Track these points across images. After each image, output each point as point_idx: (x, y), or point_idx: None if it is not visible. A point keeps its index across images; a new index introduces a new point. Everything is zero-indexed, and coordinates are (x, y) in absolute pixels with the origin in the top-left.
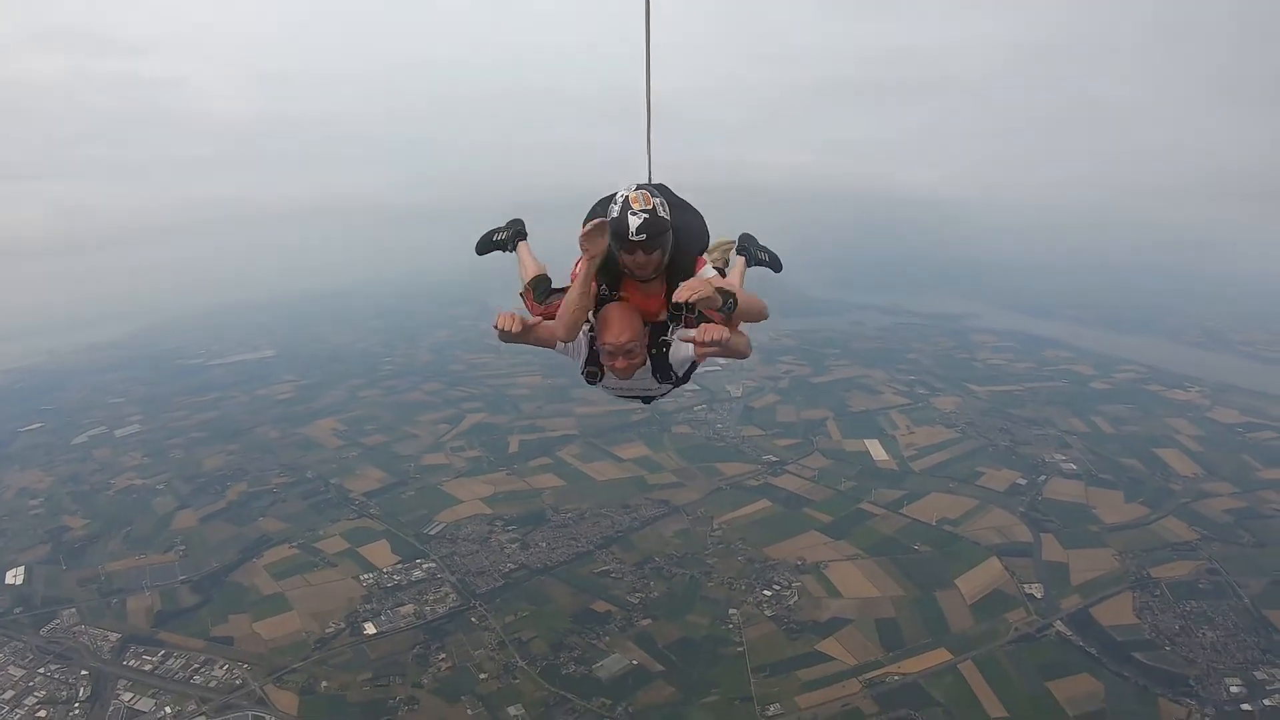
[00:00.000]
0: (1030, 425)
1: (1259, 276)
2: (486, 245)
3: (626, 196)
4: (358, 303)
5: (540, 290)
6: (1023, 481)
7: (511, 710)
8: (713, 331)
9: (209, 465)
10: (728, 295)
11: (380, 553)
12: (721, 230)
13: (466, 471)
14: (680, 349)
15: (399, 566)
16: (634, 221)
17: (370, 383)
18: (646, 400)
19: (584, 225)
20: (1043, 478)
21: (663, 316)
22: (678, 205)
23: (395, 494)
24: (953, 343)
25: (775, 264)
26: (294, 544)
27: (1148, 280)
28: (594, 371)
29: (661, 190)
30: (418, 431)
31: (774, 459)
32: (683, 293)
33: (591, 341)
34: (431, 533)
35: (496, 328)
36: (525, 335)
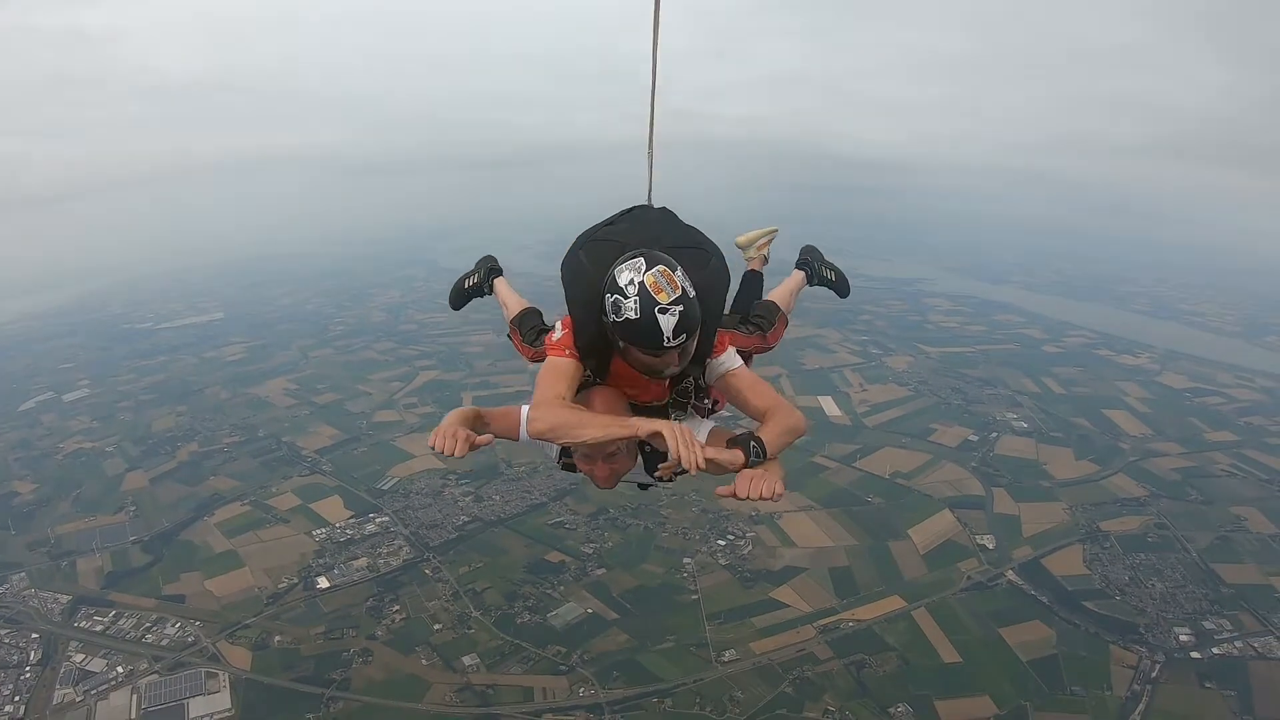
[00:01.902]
0: (982, 385)
1: (1210, 247)
2: (460, 296)
3: (642, 284)
4: (307, 263)
5: (529, 328)
6: (974, 438)
7: (466, 660)
8: (754, 486)
9: (159, 427)
10: (750, 447)
11: (333, 508)
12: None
13: (419, 427)
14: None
15: (352, 521)
16: (668, 324)
17: (321, 343)
18: (643, 486)
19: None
20: (994, 434)
21: (663, 401)
22: (691, 250)
23: (347, 450)
24: (905, 305)
25: (843, 286)
26: (246, 501)
27: (1100, 248)
28: (571, 464)
29: (666, 218)
30: (370, 389)
31: (727, 414)
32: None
33: (565, 466)
34: (384, 488)
35: (432, 448)
36: (477, 447)
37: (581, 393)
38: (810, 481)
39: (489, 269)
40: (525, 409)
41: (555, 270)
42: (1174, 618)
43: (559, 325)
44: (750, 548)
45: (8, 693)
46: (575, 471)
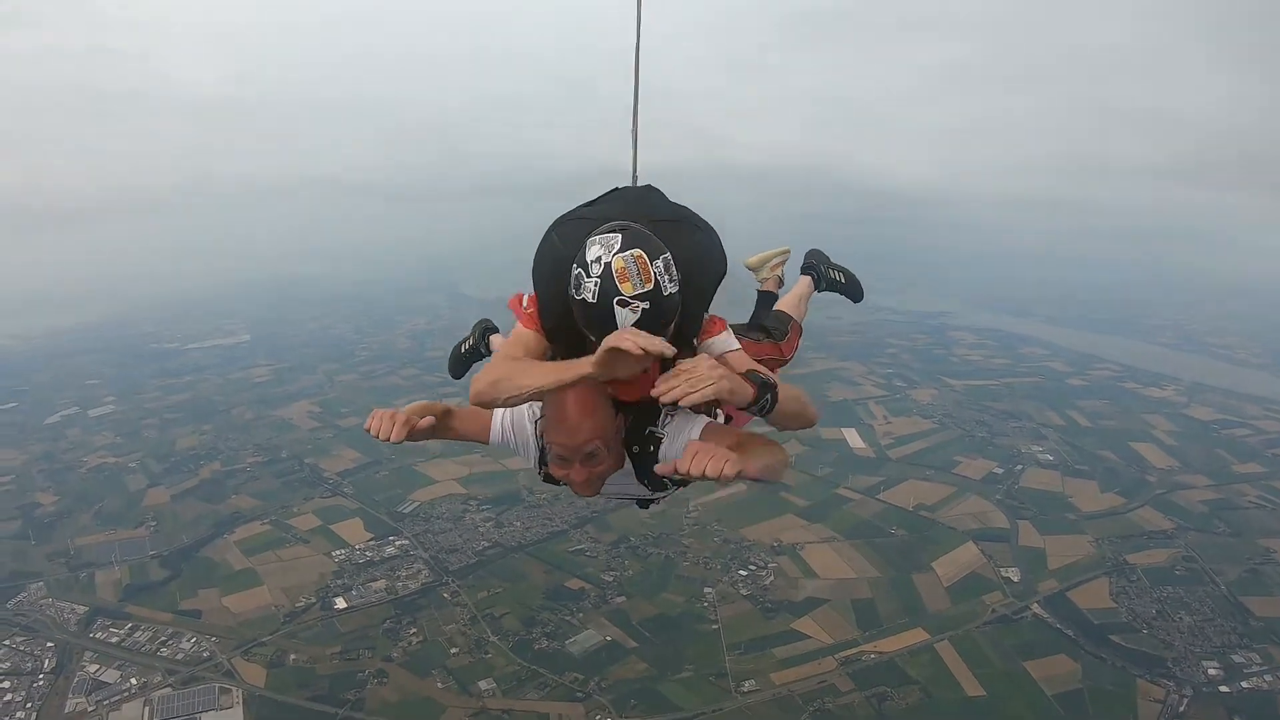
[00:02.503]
0: (1007, 418)
1: (1238, 276)
2: (459, 362)
3: (609, 265)
4: (333, 288)
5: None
6: (999, 470)
7: (482, 684)
8: (712, 462)
9: (182, 445)
10: (765, 387)
11: (353, 530)
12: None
13: (441, 453)
14: (677, 445)
15: (371, 543)
16: (624, 318)
17: (346, 368)
18: (644, 505)
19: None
20: (1019, 467)
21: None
22: (675, 224)
23: (369, 473)
24: (929, 339)
25: (854, 289)
26: (266, 521)
27: (1124, 278)
28: (551, 474)
29: (649, 195)
30: None
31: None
32: (667, 388)
33: (546, 477)
34: (405, 511)
35: (367, 430)
36: (420, 435)
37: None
38: (834, 513)
39: (484, 329)
40: (497, 414)
41: None
42: (1202, 651)
43: (526, 299)
44: (772, 578)
45: (20, 699)
46: (556, 482)
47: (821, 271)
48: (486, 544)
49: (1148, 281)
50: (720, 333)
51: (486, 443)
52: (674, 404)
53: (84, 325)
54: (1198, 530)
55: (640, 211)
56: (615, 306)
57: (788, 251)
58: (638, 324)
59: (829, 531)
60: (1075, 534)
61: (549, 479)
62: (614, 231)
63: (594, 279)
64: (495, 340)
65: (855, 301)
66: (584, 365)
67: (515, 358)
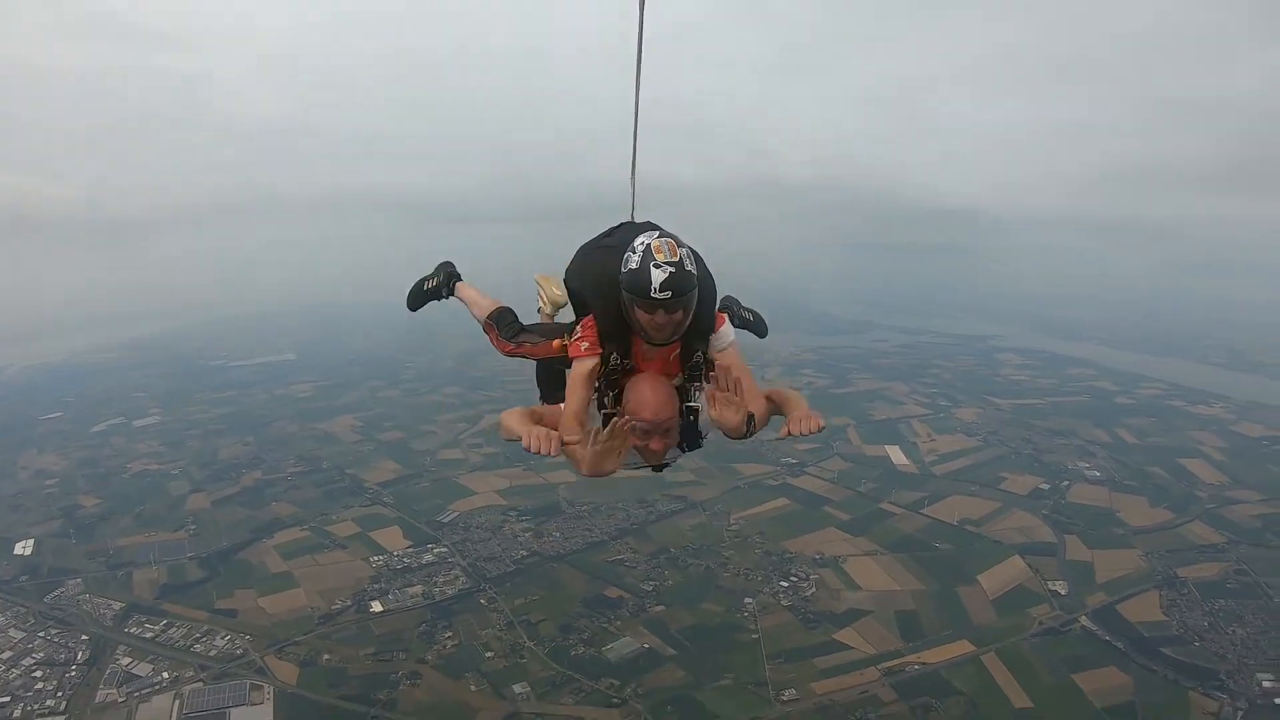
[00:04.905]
0: (1053, 435)
1: None
2: (419, 297)
3: (649, 244)
4: (380, 309)
5: (506, 326)
6: (1045, 486)
7: (517, 688)
8: (730, 408)
9: (225, 454)
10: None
11: (392, 537)
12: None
13: (482, 466)
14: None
15: (409, 550)
16: (658, 276)
17: (391, 385)
18: (658, 469)
19: (580, 316)
20: (1066, 483)
21: (679, 380)
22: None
23: (410, 484)
24: (975, 360)
25: (760, 327)
26: (305, 527)
27: (1176, 299)
28: (611, 413)
29: (652, 229)
30: (436, 429)
31: (793, 461)
32: (721, 410)
33: (606, 419)
34: (444, 520)
35: (527, 449)
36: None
37: (629, 382)
38: (876, 527)
39: (448, 274)
40: (563, 406)
41: None
42: (1256, 664)
43: (579, 329)
44: (814, 590)
45: (50, 688)
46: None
47: (735, 311)
48: (525, 553)
49: (1201, 302)
50: (723, 326)
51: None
52: (703, 364)
53: (132, 341)
54: (1250, 544)
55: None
56: (650, 268)
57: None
58: (665, 281)
59: (872, 545)
60: (1124, 548)
61: (607, 418)
62: (654, 229)
63: (639, 253)
64: (462, 288)
65: (760, 337)
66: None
67: (578, 410)
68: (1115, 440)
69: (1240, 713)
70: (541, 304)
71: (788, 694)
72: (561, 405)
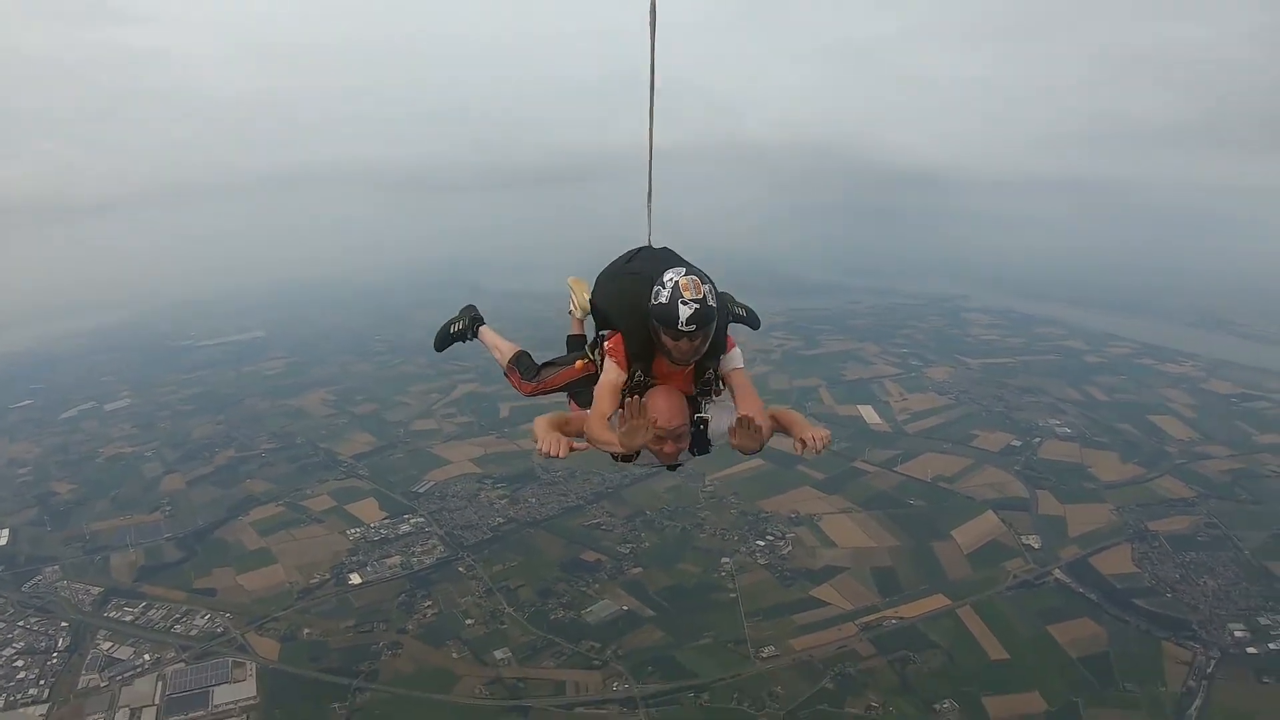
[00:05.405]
0: (1023, 393)
1: (1263, 252)
2: (445, 339)
3: (677, 282)
4: (347, 284)
5: (526, 368)
6: (1017, 443)
7: (498, 654)
8: (748, 437)
9: (197, 434)
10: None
11: (368, 509)
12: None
13: (456, 435)
14: (719, 422)
15: (386, 522)
16: (685, 311)
17: (361, 358)
18: (672, 468)
19: (608, 341)
20: (1037, 440)
21: (692, 391)
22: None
23: (384, 456)
24: (945, 320)
25: (753, 321)
26: (280, 503)
27: (1145, 258)
28: (629, 455)
29: (671, 256)
30: (408, 400)
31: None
32: (739, 437)
33: None
34: (420, 490)
35: (543, 453)
36: (574, 450)
37: (647, 393)
38: (851, 485)
39: (472, 318)
40: (590, 411)
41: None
42: (1228, 614)
43: (608, 345)
44: (790, 548)
45: (33, 677)
46: (630, 461)
47: (729, 309)
48: (501, 520)
49: (1169, 261)
50: (733, 349)
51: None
52: (714, 380)
53: (100, 328)
54: (1220, 498)
55: (672, 265)
56: (679, 304)
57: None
58: (691, 316)
59: (846, 502)
60: (1096, 502)
61: (626, 459)
62: (681, 266)
63: (667, 289)
64: (485, 332)
65: (754, 329)
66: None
67: (606, 412)
68: (1086, 398)
69: (1213, 661)
70: (572, 308)
71: (767, 651)
72: (584, 411)
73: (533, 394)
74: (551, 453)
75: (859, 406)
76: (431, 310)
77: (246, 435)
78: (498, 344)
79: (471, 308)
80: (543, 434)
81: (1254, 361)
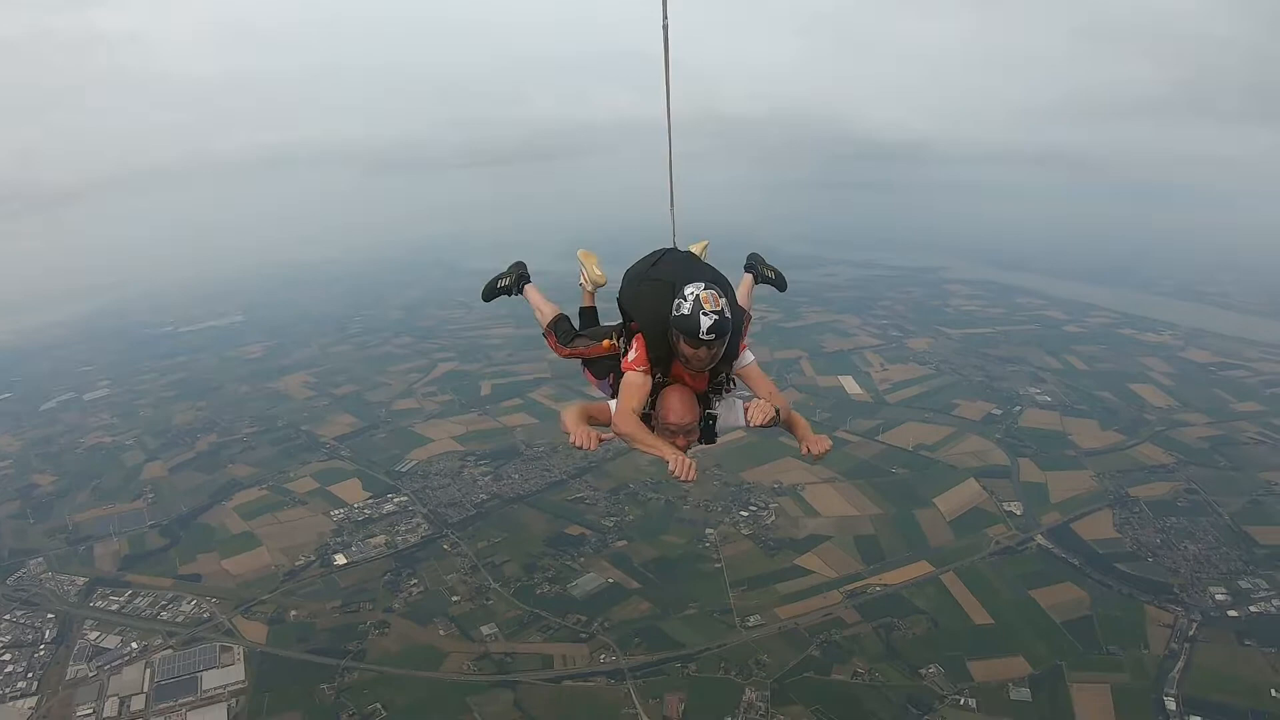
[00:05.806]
0: (1004, 363)
1: (1239, 222)
2: (492, 292)
3: (698, 295)
4: (324, 267)
5: (563, 333)
6: (998, 412)
7: (485, 629)
8: (762, 413)
9: (179, 421)
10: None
11: (351, 490)
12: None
13: (438, 414)
14: (727, 418)
15: (370, 501)
16: (705, 322)
17: (340, 340)
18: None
19: (628, 329)
20: (1018, 408)
21: (704, 390)
22: (717, 278)
23: (367, 437)
24: (925, 292)
25: (781, 282)
26: (264, 486)
27: (1123, 229)
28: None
29: (692, 261)
30: (389, 380)
31: (747, 394)
32: (756, 415)
33: (644, 418)
34: (403, 470)
35: (575, 445)
36: (603, 441)
37: (662, 391)
38: (833, 454)
39: (519, 275)
40: (613, 404)
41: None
42: (1209, 578)
43: (634, 345)
44: (774, 518)
45: (21, 670)
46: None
47: (759, 270)
48: (485, 496)
49: (1147, 232)
50: (744, 350)
51: (608, 427)
52: (725, 379)
53: (79, 316)
54: (1199, 464)
55: (696, 273)
56: (700, 315)
57: (707, 242)
58: (710, 326)
59: (829, 472)
60: (1076, 469)
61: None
62: (701, 281)
63: (690, 301)
64: (530, 291)
65: (781, 291)
66: (664, 450)
67: (636, 408)
68: (1065, 366)
69: (1195, 624)
70: (583, 280)
71: (753, 620)
72: (607, 403)
73: (566, 357)
74: (583, 445)
75: (840, 377)
76: (409, 290)
77: (228, 420)
78: (540, 305)
79: (520, 264)
80: (573, 426)
81: (1232, 330)
